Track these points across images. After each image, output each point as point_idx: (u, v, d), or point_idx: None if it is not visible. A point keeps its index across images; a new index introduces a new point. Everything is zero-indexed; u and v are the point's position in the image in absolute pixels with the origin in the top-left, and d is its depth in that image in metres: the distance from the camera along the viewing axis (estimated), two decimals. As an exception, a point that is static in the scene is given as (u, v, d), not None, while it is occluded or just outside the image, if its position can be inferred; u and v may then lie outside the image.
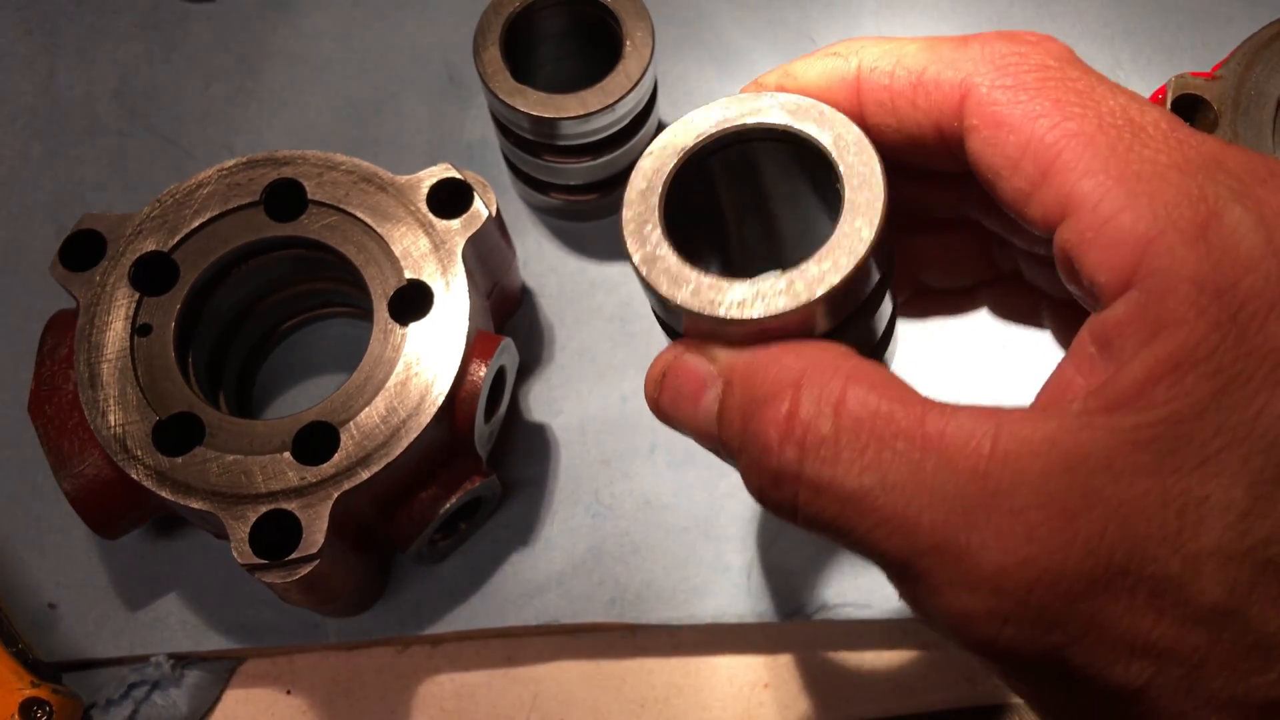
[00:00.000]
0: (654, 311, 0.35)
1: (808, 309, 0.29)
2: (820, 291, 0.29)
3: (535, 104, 0.48)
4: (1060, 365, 0.29)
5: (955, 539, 0.26)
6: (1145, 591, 0.24)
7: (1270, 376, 0.24)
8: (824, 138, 0.31)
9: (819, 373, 0.29)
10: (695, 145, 0.33)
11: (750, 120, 0.33)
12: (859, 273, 0.29)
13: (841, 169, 0.31)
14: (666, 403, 0.33)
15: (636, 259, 0.32)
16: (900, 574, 0.27)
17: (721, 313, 0.30)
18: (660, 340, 0.54)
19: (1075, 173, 0.27)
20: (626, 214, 0.33)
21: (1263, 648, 0.24)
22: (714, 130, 0.33)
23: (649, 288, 0.31)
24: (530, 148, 0.52)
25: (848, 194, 0.30)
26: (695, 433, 0.32)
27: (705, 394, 0.31)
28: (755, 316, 0.29)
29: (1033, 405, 0.28)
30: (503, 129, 0.52)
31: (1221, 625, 0.24)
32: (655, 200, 0.33)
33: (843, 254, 0.29)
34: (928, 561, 0.26)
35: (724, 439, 0.31)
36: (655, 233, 0.32)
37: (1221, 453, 0.24)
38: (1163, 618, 0.24)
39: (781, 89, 0.33)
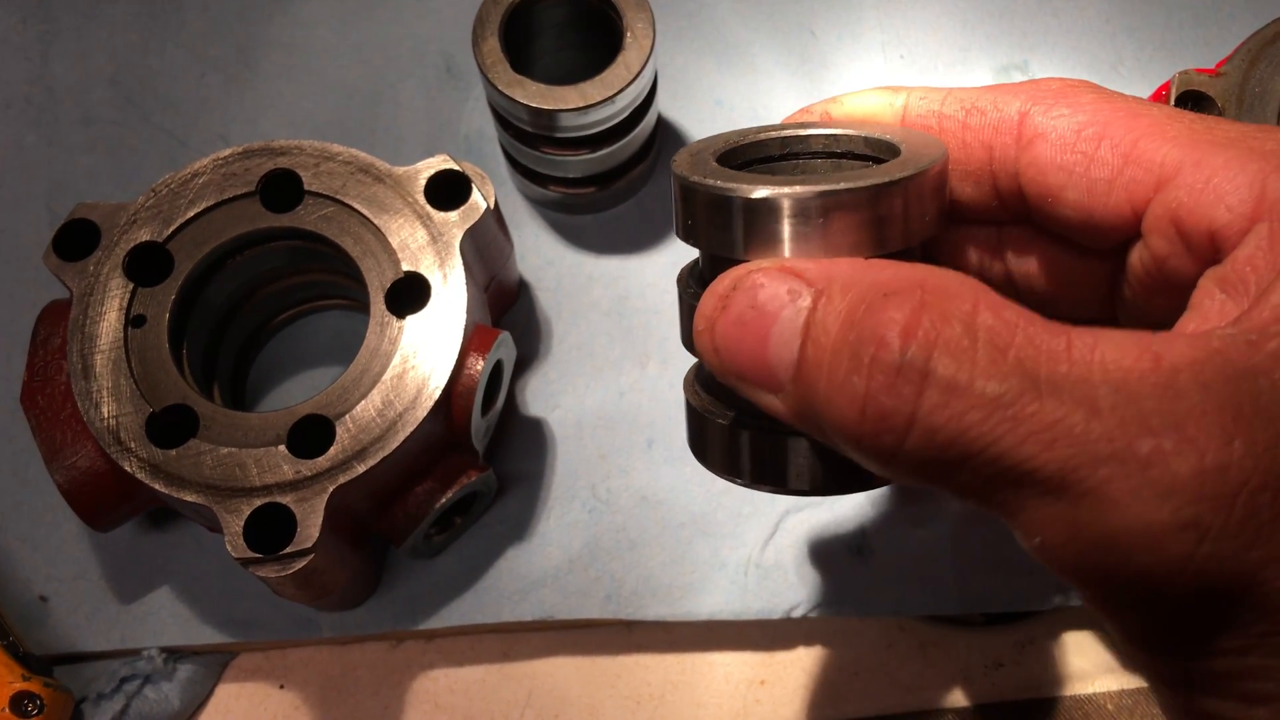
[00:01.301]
0: (702, 258, 0.33)
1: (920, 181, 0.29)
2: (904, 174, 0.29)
3: (534, 96, 0.48)
4: (1182, 321, 0.27)
5: (1137, 446, 0.23)
6: None
7: None
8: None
9: (942, 283, 0.26)
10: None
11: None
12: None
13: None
14: (728, 325, 0.28)
15: (705, 177, 0.29)
16: (1058, 491, 0.24)
17: (842, 185, 0.28)
18: (658, 333, 0.54)
19: (1163, 146, 0.28)
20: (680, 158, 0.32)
21: None
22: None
23: (722, 204, 0.29)
24: (529, 140, 0.51)
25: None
26: (757, 364, 0.28)
27: (786, 309, 0.27)
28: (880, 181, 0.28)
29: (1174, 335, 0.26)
30: (501, 121, 0.52)
31: None
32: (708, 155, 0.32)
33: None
34: (1106, 471, 0.23)
35: (809, 358, 0.27)
36: (711, 162, 0.31)
37: None
38: None
39: (827, 116, 0.34)
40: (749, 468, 0.33)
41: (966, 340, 0.25)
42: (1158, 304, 0.31)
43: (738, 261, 0.29)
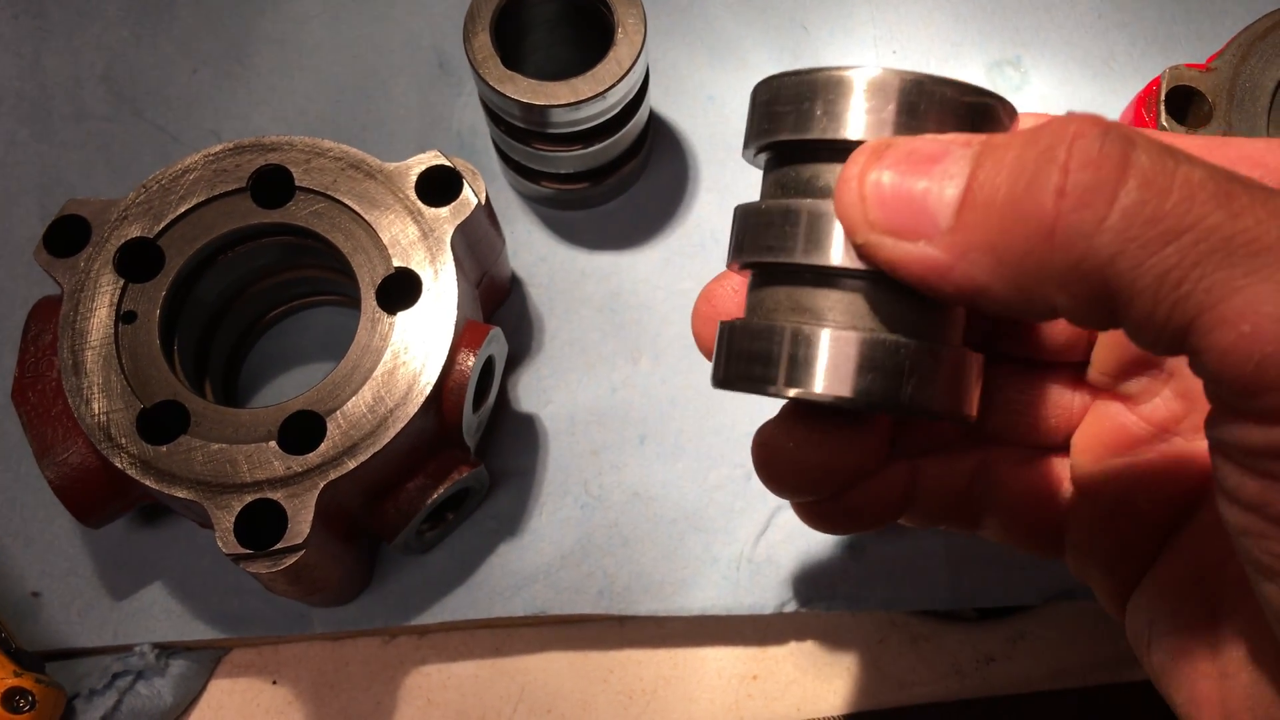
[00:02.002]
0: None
1: None
2: None
3: (526, 91, 0.48)
4: None
5: None
6: None
7: None
8: None
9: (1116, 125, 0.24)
10: None
11: None
12: None
13: None
14: (889, 164, 0.26)
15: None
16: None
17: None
18: (651, 329, 0.54)
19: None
20: None
21: None
22: None
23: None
24: (520, 135, 0.51)
25: None
26: (913, 206, 0.26)
27: (953, 150, 0.26)
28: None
29: None
30: (493, 116, 0.52)
31: None
32: None
33: None
34: None
35: (983, 181, 0.25)
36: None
37: None
38: None
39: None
40: (869, 382, 0.30)
41: (1162, 144, 0.24)
42: None
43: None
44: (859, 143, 0.29)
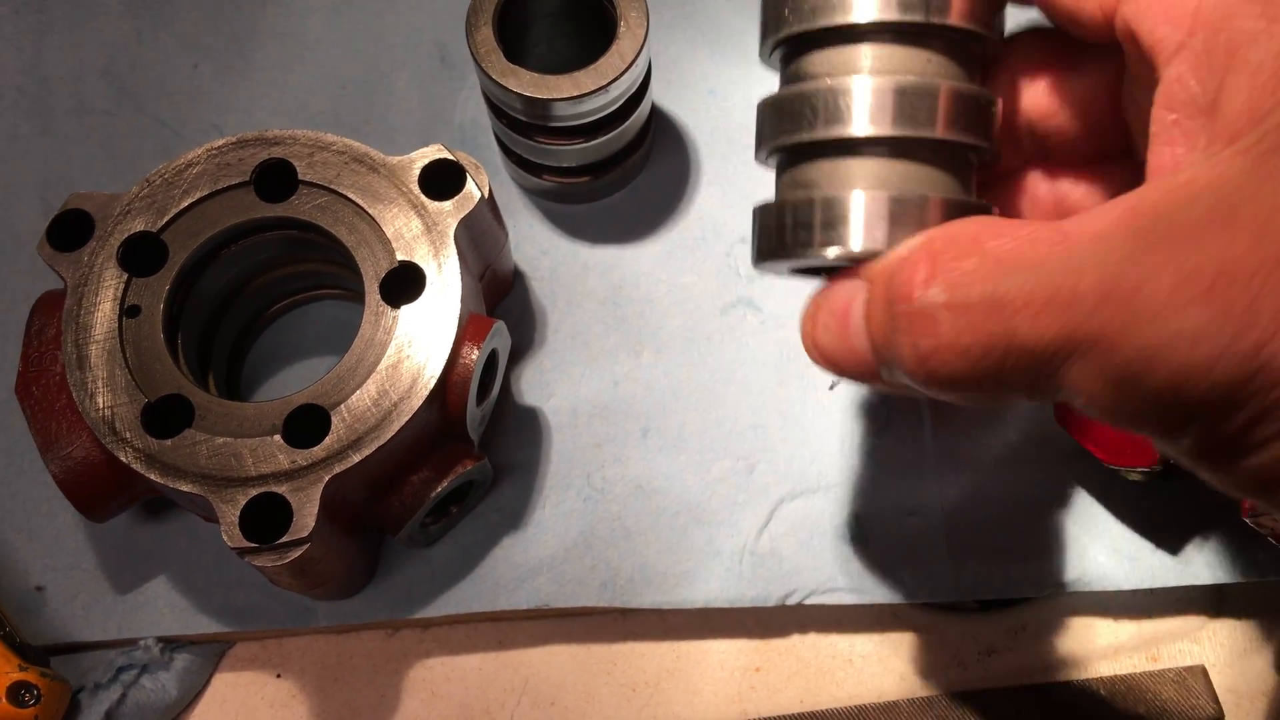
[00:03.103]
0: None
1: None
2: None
3: (528, 85, 0.48)
4: (1149, 162, 0.29)
5: (1127, 283, 0.26)
6: None
7: None
8: None
9: (950, 231, 0.30)
10: None
11: None
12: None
13: None
14: (821, 333, 0.33)
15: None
16: (1077, 351, 0.27)
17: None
18: (653, 322, 0.54)
19: None
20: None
21: None
22: None
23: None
24: (523, 129, 0.51)
25: None
26: (848, 353, 0.32)
27: (853, 306, 0.32)
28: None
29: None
30: (495, 110, 0.52)
31: None
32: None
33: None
34: (1100, 317, 0.26)
35: (874, 334, 0.31)
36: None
37: None
38: None
39: None
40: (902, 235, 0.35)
41: (975, 265, 0.28)
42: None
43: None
44: (868, 24, 0.33)
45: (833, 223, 0.33)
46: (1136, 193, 0.28)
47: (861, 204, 0.33)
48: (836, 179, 0.34)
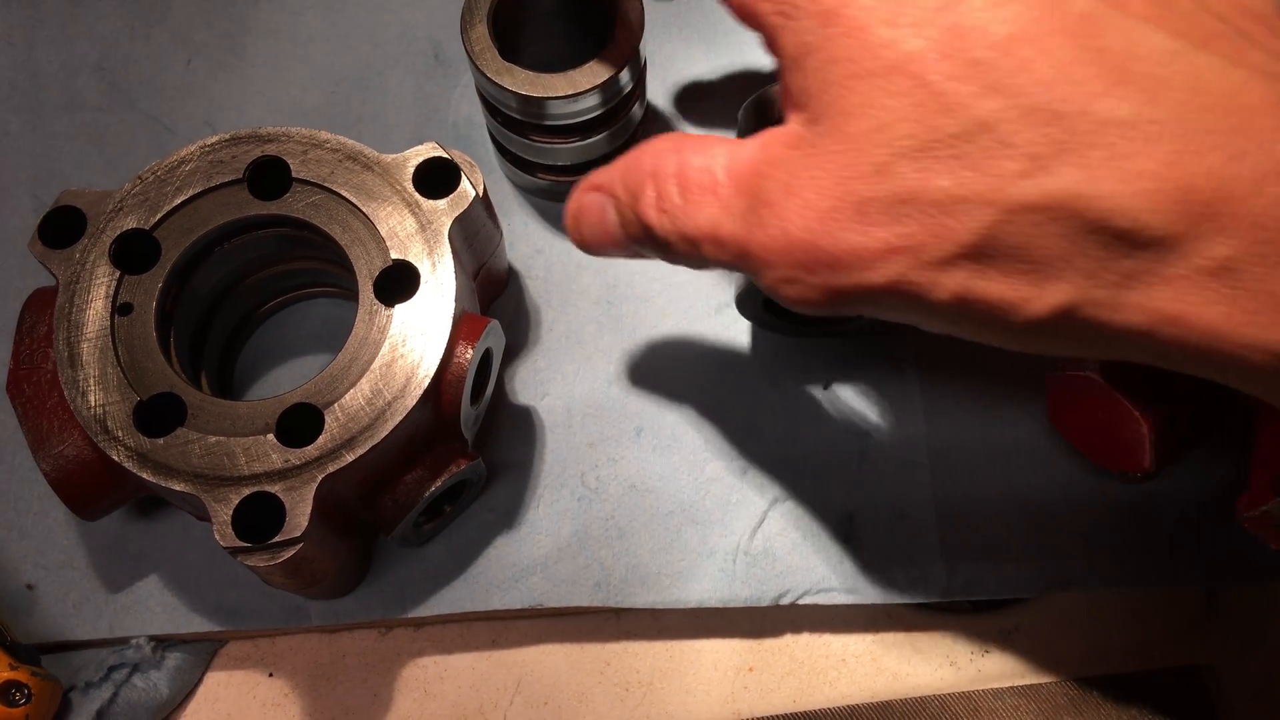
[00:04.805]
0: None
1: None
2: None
3: (523, 83, 0.48)
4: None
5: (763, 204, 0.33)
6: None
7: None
8: None
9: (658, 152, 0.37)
10: None
11: None
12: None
13: None
14: (586, 231, 0.40)
15: None
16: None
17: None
18: (648, 321, 0.54)
19: None
20: None
21: None
22: None
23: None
24: (517, 127, 0.51)
25: None
26: (607, 240, 0.39)
27: (606, 212, 0.39)
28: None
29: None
30: (489, 108, 0.52)
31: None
32: None
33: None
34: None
35: (626, 227, 0.38)
36: None
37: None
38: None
39: None
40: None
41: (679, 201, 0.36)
42: None
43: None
44: None
45: None
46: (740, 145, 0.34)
47: None
48: None
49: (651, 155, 0.37)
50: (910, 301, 0.31)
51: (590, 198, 0.39)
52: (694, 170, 0.35)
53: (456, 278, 0.45)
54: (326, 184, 0.46)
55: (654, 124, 0.57)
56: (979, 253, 0.30)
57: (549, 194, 0.56)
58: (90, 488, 0.45)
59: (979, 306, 0.31)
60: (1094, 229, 0.29)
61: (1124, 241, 0.29)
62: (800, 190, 0.32)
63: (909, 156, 0.30)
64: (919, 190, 0.30)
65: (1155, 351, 0.30)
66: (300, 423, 0.43)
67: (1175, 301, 0.29)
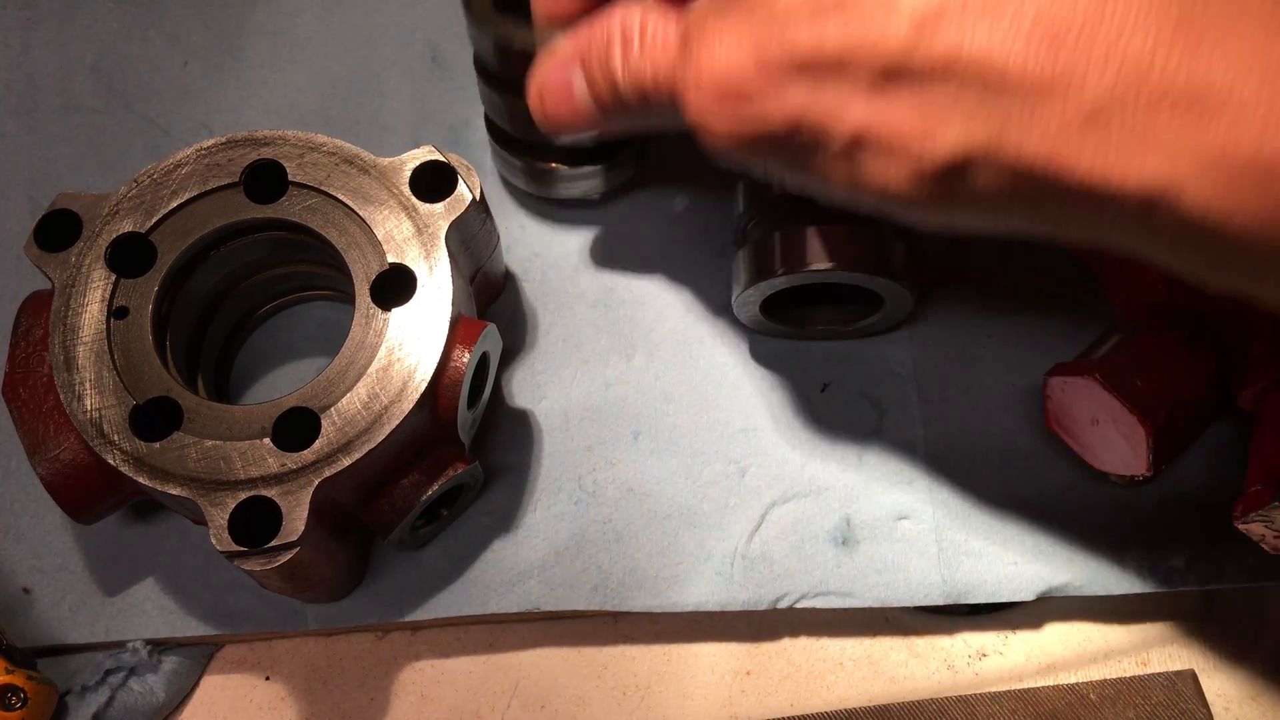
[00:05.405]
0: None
1: None
2: None
3: (528, 40, 0.46)
4: None
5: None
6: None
7: None
8: None
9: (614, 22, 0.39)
10: None
11: None
12: None
13: None
14: (551, 107, 0.41)
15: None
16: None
17: None
18: (645, 324, 0.54)
19: None
20: None
21: None
22: None
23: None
24: (514, 89, 0.49)
25: None
26: (575, 115, 0.40)
27: (574, 82, 0.40)
28: None
29: None
30: (485, 77, 0.50)
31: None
32: None
33: None
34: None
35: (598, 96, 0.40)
36: None
37: None
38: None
39: None
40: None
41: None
42: None
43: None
44: None
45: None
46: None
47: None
48: None
49: (616, 18, 0.39)
50: (814, 139, 0.33)
51: (555, 73, 0.41)
52: (650, 26, 0.38)
53: (453, 281, 0.45)
54: (323, 187, 0.46)
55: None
56: (875, 93, 0.32)
57: (546, 198, 0.56)
58: (86, 492, 0.45)
59: (878, 145, 0.32)
60: (973, 73, 0.30)
61: (1001, 85, 0.30)
62: (720, 33, 0.34)
63: (803, 13, 0.33)
64: (816, 43, 0.32)
65: (1054, 208, 0.31)
66: (297, 427, 0.43)
67: (1054, 142, 0.30)
